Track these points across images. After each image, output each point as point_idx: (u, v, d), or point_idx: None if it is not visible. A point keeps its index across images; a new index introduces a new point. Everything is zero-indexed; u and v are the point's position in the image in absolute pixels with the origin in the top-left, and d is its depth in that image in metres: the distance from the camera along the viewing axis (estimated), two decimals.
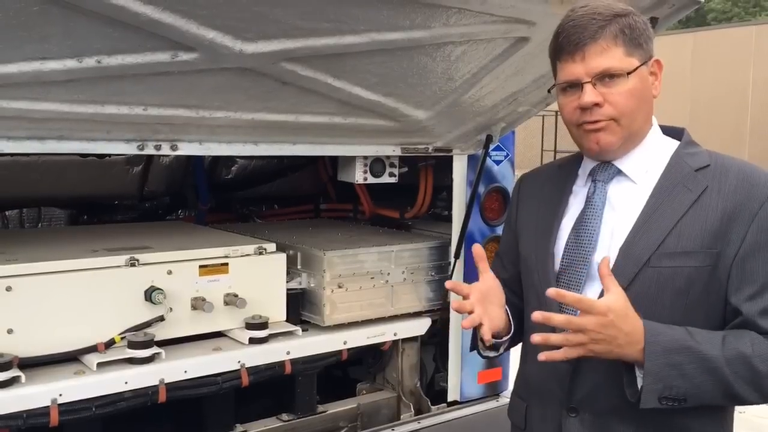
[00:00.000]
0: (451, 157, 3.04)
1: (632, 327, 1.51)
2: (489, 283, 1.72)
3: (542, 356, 1.54)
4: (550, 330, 1.55)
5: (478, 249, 1.71)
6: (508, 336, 1.80)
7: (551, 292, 1.50)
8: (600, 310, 1.48)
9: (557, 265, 1.73)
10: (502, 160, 3.19)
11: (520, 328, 1.84)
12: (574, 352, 1.52)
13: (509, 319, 1.79)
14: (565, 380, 1.68)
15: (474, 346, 1.88)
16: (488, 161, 3.05)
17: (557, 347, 1.53)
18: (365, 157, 2.99)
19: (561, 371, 1.68)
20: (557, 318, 1.51)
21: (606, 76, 1.60)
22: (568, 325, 1.50)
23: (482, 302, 1.65)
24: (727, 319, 1.61)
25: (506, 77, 2.61)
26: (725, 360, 1.51)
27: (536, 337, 1.53)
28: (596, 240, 1.68)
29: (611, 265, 1.61)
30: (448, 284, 1.73)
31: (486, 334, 1.62)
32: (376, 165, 3.02)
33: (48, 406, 2.11)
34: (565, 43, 1.63)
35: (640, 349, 1.51)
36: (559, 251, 1.73)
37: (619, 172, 1.71)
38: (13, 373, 2.09)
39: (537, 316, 1.51)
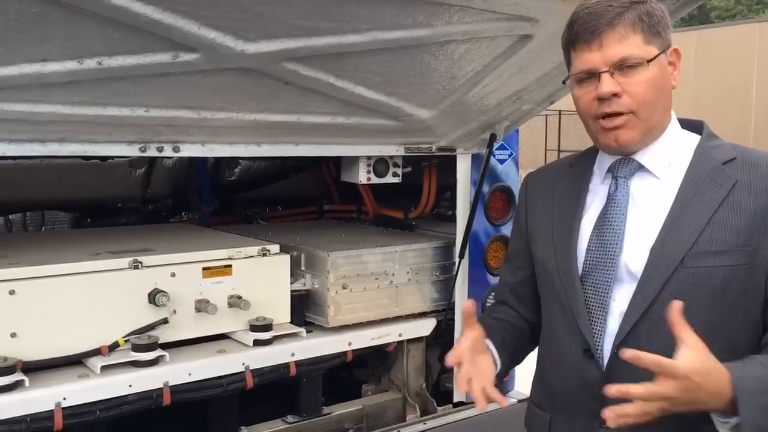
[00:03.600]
0: (455, 156, 3.03)
1: (715, 384, 1.37)
2: (473, 336, 1.62)
3: (612, 423, 1.39)
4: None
5: (468, 306, 1.60)
6: (497, 371, 1.70)
7: (629, 355, 1.37)
8: (682, 374, 1.35)
9: (579, 268, 1.64)
10: (506, 159, 3.17)
11: (510, 353, 1.77)
12: (649, 417, 1.39)
13: (494, 357, 1.70)
14: (597, 391, 1.55)
15: None
16: (492, 160, 3.03)
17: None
18: (368, 158, 2.98)
19: (591, 382, 1.59)
20: (636, 389, 1.36)
21: (625, 65, 1.52)
22: (649, 397, 1.36)
23: (473, 363, 1.57)
24: (766, 319, 1.53)
25: (510, 75, 2.59)
26: None
27: (608, 412, 1.38)
28: (622, 239, 1.59)
29: (643, 265, 1.54)
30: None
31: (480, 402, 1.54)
32: (380, 165, 3.02)
33: (52, 410, 2.10)
34: (581, 31, 1.54)
35: (727, 402, 1.38)
36: (581, 253, 1.65)
37: (641, 167, 1.62)
38: (17, 376, 2.08)
39: (614, 391, 1.37)
